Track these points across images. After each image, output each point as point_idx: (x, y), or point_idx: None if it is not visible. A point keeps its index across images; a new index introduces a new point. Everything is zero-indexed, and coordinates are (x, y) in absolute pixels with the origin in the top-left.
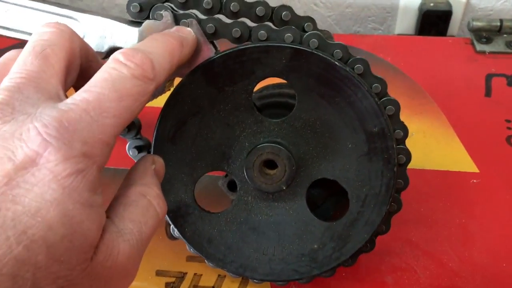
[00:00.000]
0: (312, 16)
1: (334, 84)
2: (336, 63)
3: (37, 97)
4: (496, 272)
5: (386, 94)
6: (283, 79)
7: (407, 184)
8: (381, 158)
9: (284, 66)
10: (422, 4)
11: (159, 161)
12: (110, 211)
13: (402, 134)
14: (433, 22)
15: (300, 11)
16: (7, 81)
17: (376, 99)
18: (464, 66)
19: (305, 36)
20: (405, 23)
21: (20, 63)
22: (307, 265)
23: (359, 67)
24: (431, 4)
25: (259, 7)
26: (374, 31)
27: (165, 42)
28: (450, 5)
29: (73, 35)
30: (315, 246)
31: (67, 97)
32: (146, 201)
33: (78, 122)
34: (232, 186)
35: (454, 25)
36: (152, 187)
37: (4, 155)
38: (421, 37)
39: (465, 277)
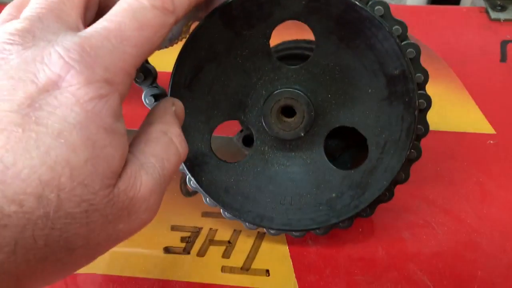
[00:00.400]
0: None
1: (354, 26)
2: (357, 3)
3: (58, 27)
4: None
5: (406, 38)
6: (302, 21)
7: (427, 130)
8: (402, 102)
9: (303, 7)
10: None
11: (179, 104)
12: (132, 147)
13: (422, 78)
14: None
15: None
16: (28, 11)
17: (397, 40)
18: (478, 33)
19: None
20: None
21: None
22: (325, 214)
23: (379, 9)
24: None
25: None
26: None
27: None
28: None
29: None
30: (333, 195)
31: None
32: (168, 139)
33: (100, 48)
34: (247, 141)
35: None
36: (173, 125)
37: (26, 78)
38: (435, 6)
39: (483, 233)
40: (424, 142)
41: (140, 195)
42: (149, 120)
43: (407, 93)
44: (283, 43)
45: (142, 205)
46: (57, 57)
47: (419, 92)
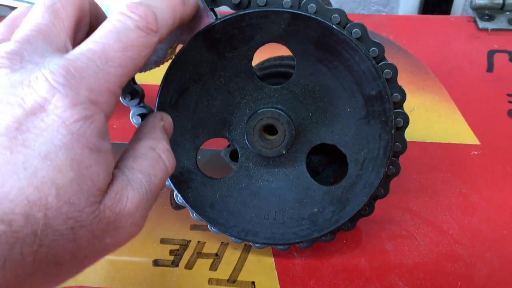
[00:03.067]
0: None
1: (332, 48)
2: (334, 27)
3: (46, 48)
4: (495, 239)
5: (383, 59)
6: (282, 44)
7: (405, 147)
8: (379, 121)
9: (283, 31)
10: None
11: (167, 118)
12: (119, 163)
13: (399, 97)
14: (436, 3)
15: None
16: (18, 33)
17: (373, 62)
18: (466, 43)
19: (303, 1)
20: (408, 4)
21: (31, 16)
22: (307, 228)
23: (356, 31)
24: None
25: None
26: (377, 12)
27: None
28: None
29: None
30: (315, 209)
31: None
32: (155, 154)
33: (85, 70)
34: (234, 156)
35: (458, 5)
36: (160, 141)
37: (14, 102)
38: (423, 16)
39: (465, 244)
40: (409, 153)
41: (126, 210)
42: (137, 135)
43: (384, 112)
44: (268, 60)
45: (128, 220)
46: (43, 81)
47: (397, 110)
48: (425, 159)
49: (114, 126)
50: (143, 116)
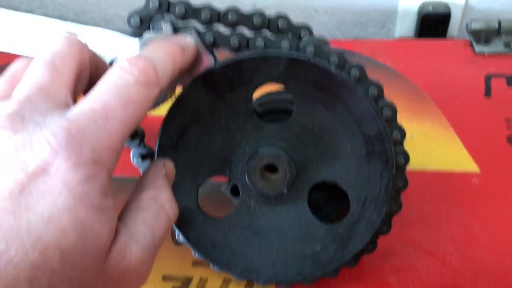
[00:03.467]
0: (312, 22)
1: (331, 90)
2: (332, 70)
3: (46, 106)
4: (499, 270)
5: (382, 98)
6: (281, 85)
7: (406, 184)
8: (380, 161)
9: (282, 73)
10: (421, 8)
11: (170, 165)
12: (122, 216)
13: (399, 136)
14: (432, 25)
15: (300, 17)
16: (18, 92)
17: (372, 103)
18: (463, 67)
19: (301, 43)
20: (404, 26)
21: (30, 73)
22: (310, 267)
23: (355, 72)
24: (430, 8)
25: (256, 17)
26: (374, 35)
27: (167, 47)
28: (448, 7)
29: (82, 45)
30: (317, 248)
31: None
32: (158, 205)
33: (86, 130)
34: (235, 192)
35: (454, 27)
36: (163, 190)
37: (17, 166)
38: (420, 40)
39: (469, 276)
40: (410, 183)
41: (131, 266)
42: (140, 185)
43: (385, 152)
44: (268, 94)
45: (133, 275)
46: (45, 143)
47: (397, 148)
48: (426, 188)
49: None
50: (143, 157)
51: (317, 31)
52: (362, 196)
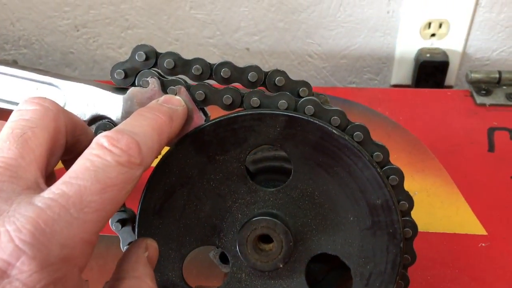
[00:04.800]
0: (307, 68)
1: (333, 153)
2: (334, 131)
3: (13, 189)
4: None
5: (388, 163)
6: (278, 147)
7: (414, 259)
8: (386, 233)
9: (279, 134)
10: (418, 55)
11: (152, 246)
12: None
13: (407, 205)
14: (430, 73)
15: (294, 63)
16: None
17: (378, 169)
18: (464, 119)
19: (300, 102)
20: (401, 73)
21: None
22: None
23: (358, 134)
24: (427, 55)
25: (252, 73)
26: (369, 81)
27: (153, 118)
28: (446, 55)
29: (58, 112)
30: None
31: (47, 184)
32: None
33: (57, 222)
34: (225, 258)
35: (451, 75)
36: (145, 279)
37: None
38: (419, 89)
39: None
40: (414, 245)
41: None
42: (119, 272)
43: (391, 224)
44: (261, 149)
45: None
46: (7, 240)
47: (404, 218)
48: (430, 252)
49: None
50: (123, 222)
51: (312, 76)
52: (366, 272)
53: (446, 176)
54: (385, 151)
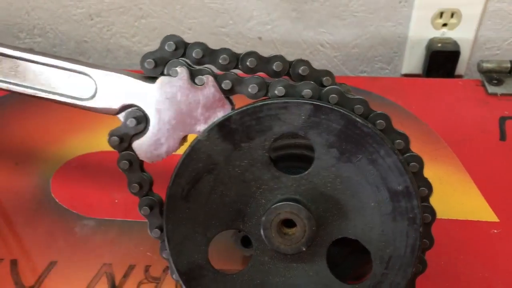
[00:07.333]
0: (319, 57)
1: (356, 141)
2: (358, 119)
3: None
4: None
5: (409, 150)
6: (302, 134)
7: (432, 243)
8: (406, 218)
9: (303, 122)
10: (429, 45)
11: None
12: None
13: (426, 191)
14: (441, 62)
15: (306, 52)
16: None
17: (400, 156)
18: (476, 109)
19: (324, 91)
20: (412, 62)
21: None
22: None
23: (381, 122)
24: (439, 45)
25: (277, 62)
26: (381, 70)
27: None
28: (457, 45)
29: None
30: None
31: None
32: None
33: None
34: (245, 242)
35: (462, 64)
36: None
37: None
38: (431, 79)
39: None
40: None
41: None
42: None
43: (412, 209)
44: (282, 138)
45: None
46: None
47: (423, 204)
48: (444, 238)
49: (116, 201)
50: (151, 207)
51: (323, 66)
52: (386, 256)
53: (458, 164)
54: (406, 139)
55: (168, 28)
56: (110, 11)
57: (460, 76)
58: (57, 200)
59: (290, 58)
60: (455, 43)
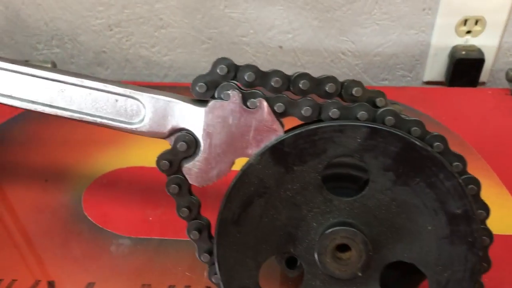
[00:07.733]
0: (340, 65)
1: (414, 164)
2: (417, 142)
3: None
4: None
5: (466, 172)
6: (357, 158)
7: (490, 265)
8: (465, 242)
9: (359, 145)
10: (453, 52)
11: None
12: None
13: (484, 214)
14: (465, 70)
15: (327, 61)
16: None
17: (460, 180)
18: (507, 118)
19: (379, 112)
20: (434, 70)
21: None
22: None
23: (438, 145)
24: (463, 52)
25: (330, 84)
26: (402, 78)
27: None
28: (482, 52)
29: None
30: None
31: None
32: None
33: None
34: (290, 263)
35: (485, 72)
36: None
37: None
38: (458, 88)
39: None
40: None
41: None
42: None
43: (471, 233)
44: None
45: None
46: None
47: (481, 227)
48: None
49: (150, 218)
50: (200, 231)
51: (344, 74)
52: (443, 279)
53: (494, 177)
54: (463, 161)
55: (188, 38)
56: (130, 21)
57: (482, 83)
58: (90, 218)
59: (310, 67)
60: (479, 51)
